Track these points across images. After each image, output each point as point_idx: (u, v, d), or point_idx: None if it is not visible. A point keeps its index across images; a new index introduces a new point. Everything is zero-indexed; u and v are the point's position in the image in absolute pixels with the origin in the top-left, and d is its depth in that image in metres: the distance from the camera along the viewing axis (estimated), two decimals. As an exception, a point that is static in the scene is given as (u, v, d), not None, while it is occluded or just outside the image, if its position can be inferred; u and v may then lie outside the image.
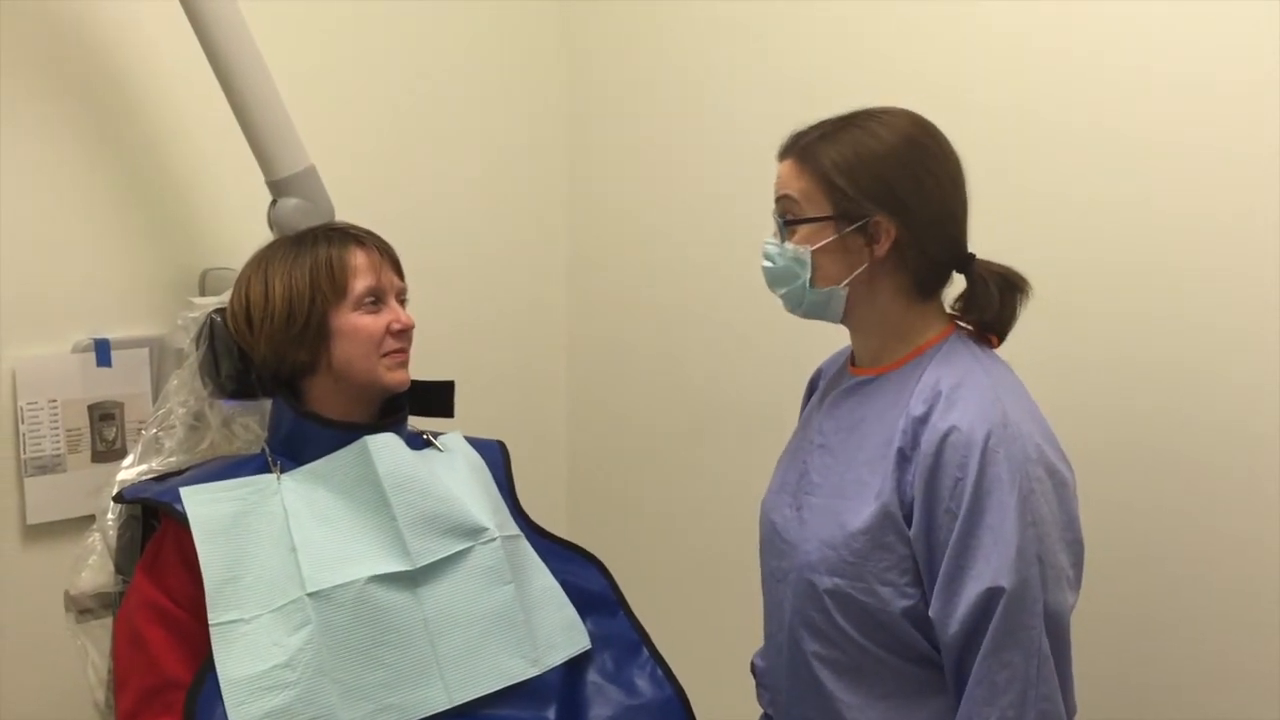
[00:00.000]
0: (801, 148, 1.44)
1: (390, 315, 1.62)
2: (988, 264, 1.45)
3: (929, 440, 1.36)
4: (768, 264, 1.48)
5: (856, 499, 1.42)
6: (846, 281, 1.43)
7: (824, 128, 1.44)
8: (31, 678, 1.95)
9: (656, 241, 2.47)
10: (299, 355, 1.60)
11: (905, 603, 1.38)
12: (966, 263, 1.45)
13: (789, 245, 1.44)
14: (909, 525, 1.38)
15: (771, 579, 1.54)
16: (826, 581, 1.42)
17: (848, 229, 1.41)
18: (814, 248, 1.42)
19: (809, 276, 1.43)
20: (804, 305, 1.47)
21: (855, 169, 1.40)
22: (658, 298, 2.49)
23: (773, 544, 1.54)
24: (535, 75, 2.58)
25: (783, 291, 1.48)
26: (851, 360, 1.54)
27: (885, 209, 1.39)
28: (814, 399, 1.61)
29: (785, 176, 1.46)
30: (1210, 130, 1.65)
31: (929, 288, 1.46)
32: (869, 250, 1.41)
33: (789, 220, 1.45)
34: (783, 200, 1.46)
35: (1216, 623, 1.70)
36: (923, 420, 1.38)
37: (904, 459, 1.38)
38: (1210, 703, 1.71)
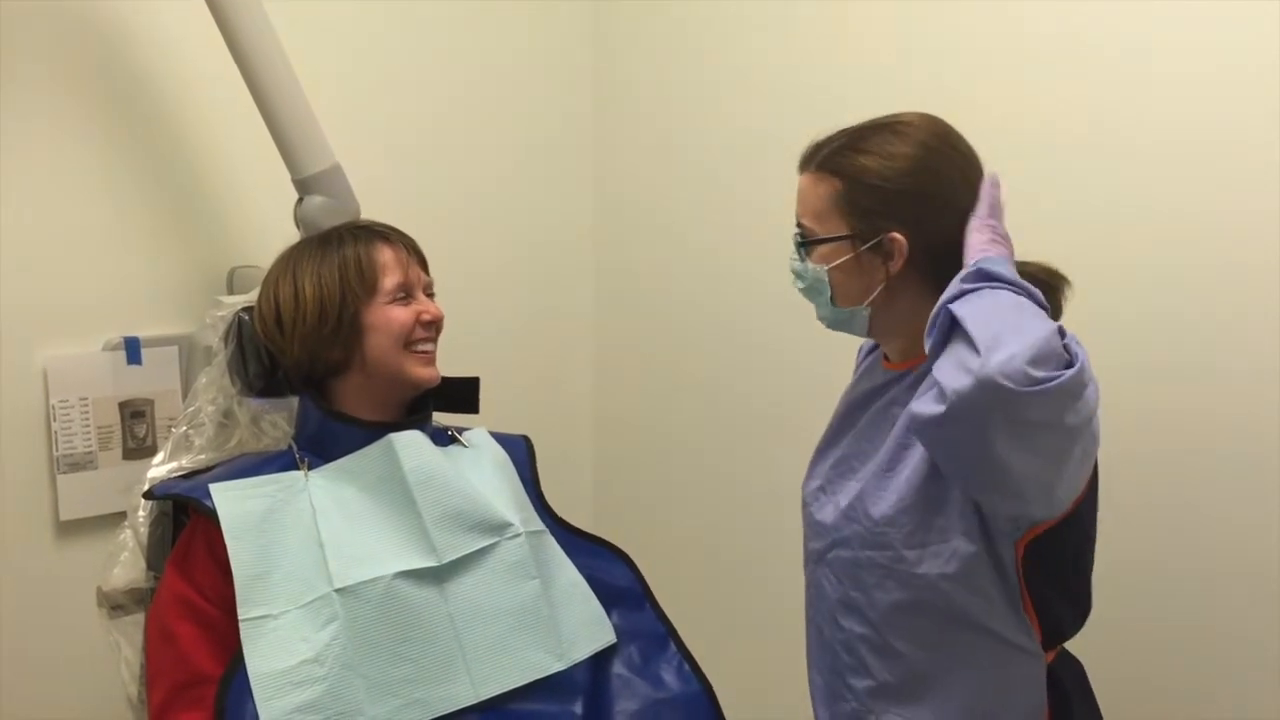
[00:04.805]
0: (818, 163, 1.44)
1: (419, 307, 1.63)
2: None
3: None
4: (798, 282, 1.49)
5: (888, 479, 1.42)
6: (867, 302, 1.43)
7: (839, 141, 1.43)
8: (65, 673, 1.97)
9: (682, 240, 2.47)
10: (333, 354, 1.61)
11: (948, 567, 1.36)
12: None
13: (809, 265, 1.45)
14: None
15: (810, 561, 1.55)
16: (861, 555, 1.43)
17: (863, 247, 1.40)
18: (830, 266, 1.43)
19: (829, 295, 1.44)
20: (830, 322, 1.49)
21: (869, 190, 1.39)
22: (683, 295, 2.49)
23: (810, 527, 1.55)
24: (561, 75, 2.58)
25: (815, 306, 1.49)
26: (885, 356, 1.54)
27: (898, 225, 1.39)
28: (848, 387, 1.61)
29: (803, 193, 1.46)
30: (1211, 130, 1.64)
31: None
32: (885, 269, 1.41)
33: (805, 241, 1.45)
34: (801, 226, 1.46)
35: (1222, 626, 1.69)
36: None
37: None
38: (1214, 704, 1.70)
